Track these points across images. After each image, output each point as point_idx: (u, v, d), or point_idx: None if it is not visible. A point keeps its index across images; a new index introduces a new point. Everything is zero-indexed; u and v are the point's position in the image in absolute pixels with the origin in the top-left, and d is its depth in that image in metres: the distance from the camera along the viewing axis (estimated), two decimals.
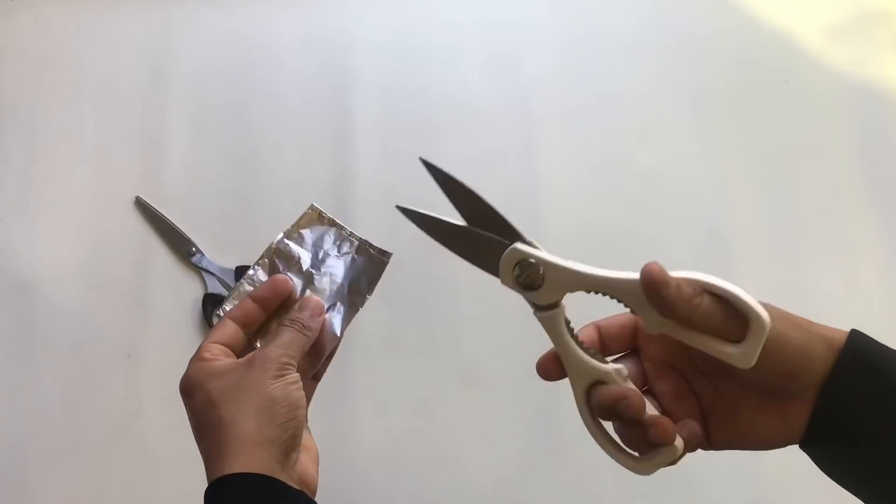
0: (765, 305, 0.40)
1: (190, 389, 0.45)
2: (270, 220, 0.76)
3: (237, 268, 0.74)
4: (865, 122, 0.78)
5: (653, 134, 0.79)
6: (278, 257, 0.50)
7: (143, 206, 0.77)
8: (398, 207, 0.46)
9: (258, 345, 0.48)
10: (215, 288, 0.74)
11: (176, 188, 0.78)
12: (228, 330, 0.47)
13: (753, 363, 0.39)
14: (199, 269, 0.75)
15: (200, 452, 0.44)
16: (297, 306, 0.48)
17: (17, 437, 0.71)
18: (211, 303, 0.73)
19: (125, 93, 0.81)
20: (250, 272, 0.50)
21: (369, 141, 0.79)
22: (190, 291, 0.74)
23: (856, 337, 0.40)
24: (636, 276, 0.40)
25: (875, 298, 0.73)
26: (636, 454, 0.42)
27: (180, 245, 0.75)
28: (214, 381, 0.44)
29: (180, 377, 0.46)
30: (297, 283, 0.50)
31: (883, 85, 0.79)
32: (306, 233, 0.51)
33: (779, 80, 0.80)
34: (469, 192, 0.45)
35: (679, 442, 0.41)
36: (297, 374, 0.45)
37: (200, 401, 0.44)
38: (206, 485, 0.71)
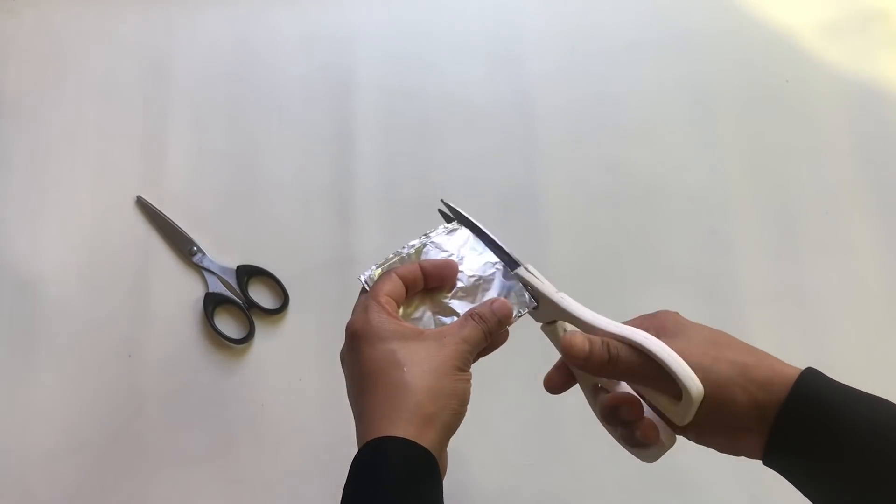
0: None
1: (371, 337, 0.44)
2: (271, 220, 0.77)
3: (238, 267, 0.74)
4: (865, 122, 0.78)
5: (653, 134, 0.79)
6: (437, 247, 0.51)
7: (144, 206, 0.77)
8: (443, 202, 0.52)
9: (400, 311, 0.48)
10: (216, 287, 0.74)
11: (177, 188, 0.78)
12: (398, 286, 0.47)
13: (688, 421, 0.41)
14: (200, 269, 0.75)
15: (361, 401, 0.44)
16: (490, 306, 0.47)
17: (17, 437, 0.71)
18: (212, 302, 0.73)
19: (126, 92, 0.81)
20: (401, 249, 0.51)
21: (370, 141, 0.79)
22: (191, 291, 0.74)
23: (805, 378, 0.40)
24: (607, 323, 0.44)
25: (875, 298, 0.73)
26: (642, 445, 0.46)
27: (181, 244, 0.75)
28: (402, 342, 0.44)
29: (345, 330, 0.46)
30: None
31: (883, 84, 0.79)
32: (458, 236, 0.52)
33: (779, 79, 0.80)
34: (477, 228, 0.51)
35: (667, 438, 0.45)
36: (470, 373, 0.45)
37: (384, 354, 0.44)
38: (206, 487, 0.71)
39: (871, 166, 0.77)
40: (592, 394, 0.48)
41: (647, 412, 0.46)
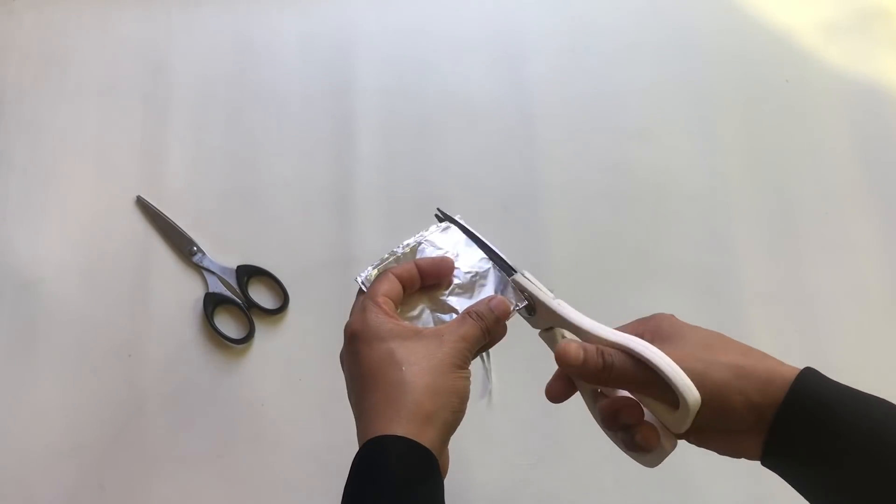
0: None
1: (369, 336, 0.45)
2: (271, 220, 0.77)
3: (238, 267, 0.74)
4: (865, 122, 0.78)
5: (653, 133, 0.79)
6: (432, 245, 0.51)
7: (144, 206, 0.77)
8: (439, 209, 0.52)
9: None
10: (216, 287, 0.74)
11: (177, 187, 0.78)
12: (395, 286, 0.47)
13: (685, 429, 0.41)
14: (200, 269, 0.75)
15: (361, 400, 0.44)
16: (488, 304, 0.47)
17: (17, 437, 0.71)
18: (212, 302, 0.73)
19: (126, 92, 0.81)
20: (396, 249, 0.51)
21: (370, 140, 0.79)
22: (191, 291, 0.74)
23: (803, 379, 0.40)
24: (604, 331, 0.43)
25: (875, 298, 0.73)
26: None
27: (181, 244, 0.75)
28: (400, 341, 0.44)
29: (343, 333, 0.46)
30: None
31: (883, 84, 0.79)
32: (452, 233, 0.52)
33: (779, 79, 0.80)
34: (473, 234, 0.51)
35: (667, 443, 0.44)
36: (470, 370, 0.45)
37: (382, 354, 0.44)
38: (206, 487, 0.71)
39: (871, 166, 0.77)
40: (592, 399, 0.48)
41: (647, 416, 0.45)
